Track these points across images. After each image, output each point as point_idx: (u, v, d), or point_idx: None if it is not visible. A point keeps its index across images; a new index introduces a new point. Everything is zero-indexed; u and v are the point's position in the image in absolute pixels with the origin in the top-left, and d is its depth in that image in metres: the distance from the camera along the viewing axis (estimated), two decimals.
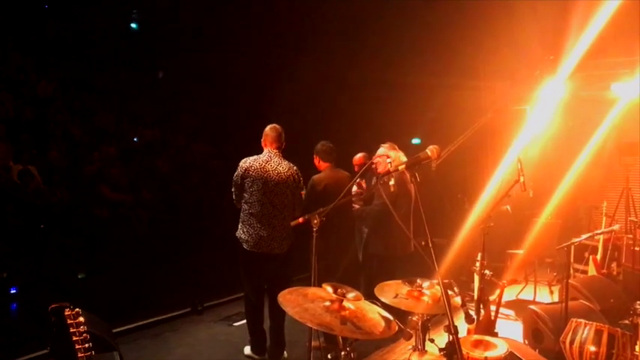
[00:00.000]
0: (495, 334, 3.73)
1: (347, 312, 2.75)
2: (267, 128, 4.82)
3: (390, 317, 2.82)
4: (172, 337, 5.52)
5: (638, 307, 5.49)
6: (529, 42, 8.26)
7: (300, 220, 3.55)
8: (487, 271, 3.89)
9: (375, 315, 2.80)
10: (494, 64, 8.34)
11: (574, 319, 3.52)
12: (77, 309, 1.83)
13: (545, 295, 6.74)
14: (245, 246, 4.69)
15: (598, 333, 3.29)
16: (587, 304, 5.11)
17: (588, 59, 8.03)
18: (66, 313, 1.81)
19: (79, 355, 1.80)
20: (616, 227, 4.89)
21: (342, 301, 2.78)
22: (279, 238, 4.69)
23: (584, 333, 3.32)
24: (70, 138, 6.72)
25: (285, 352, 4.90)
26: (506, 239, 7.33)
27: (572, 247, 7.42)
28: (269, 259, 4.70)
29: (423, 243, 2.33)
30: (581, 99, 8.66)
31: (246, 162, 4.69)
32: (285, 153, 4.83)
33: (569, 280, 6.24)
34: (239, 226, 4.76)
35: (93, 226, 6.28)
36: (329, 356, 3.40)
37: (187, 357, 5.03)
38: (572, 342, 3.35)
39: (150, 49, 6.67)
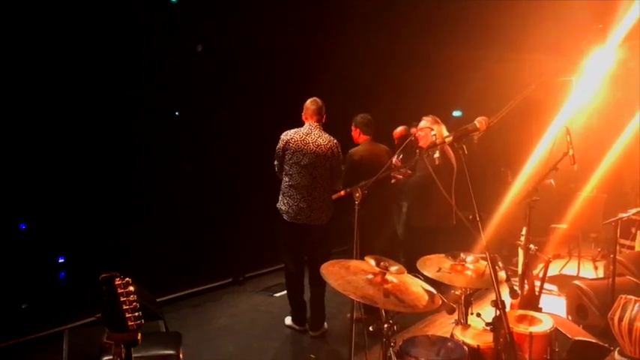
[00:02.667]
0: (539, 310, 3.67)
1: (390, 285, 2.74)
2: (308, 101, 4.81)
3: (434, 291, 2.81)
4: (214, 307, 5.62)
5: None
6: (575, 11, 7.95)
7: (342, 192, 3.55)
8: (532, 246, 3.81)
9: (418, 288, 2.79)
10: (538, 36, 8.06)
11: (623, 296, 3.43)
12: (127, 278, 1.86)
13: (589, 271, 6.61)
14: (285, 217, 4.73)
15: None
16: (635, 280, 4.98)
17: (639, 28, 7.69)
18: (116, 283, 1.84)
19: (130, 323, 1.83)
20: None
21: (384, 274, 2.77)
22: (318, 210, 4.71)
23: (633, 309, 3.23)
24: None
25: (325, 324, 4.94)
26: (549, 213, 7.19)
27: (619, 222, 7.27)
28: (308, 230, 4.73)
29: (470, 217, 2.29)
30: (630, 69, 8.33)
31: (287, 134, 4.71)
32: (326, 127, 4.81)
33: (616, 256, 6.12)
34: (279, 198, 4.80)
35: (135, 197, 6.39)
36: (370, 328, 3.41)
37: (229, 327, 5.12)
38: (620, 319, 3.27)
39: (190, 19, 6.65)
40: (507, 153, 8.63)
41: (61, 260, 6.40)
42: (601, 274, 6.49)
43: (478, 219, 2.23)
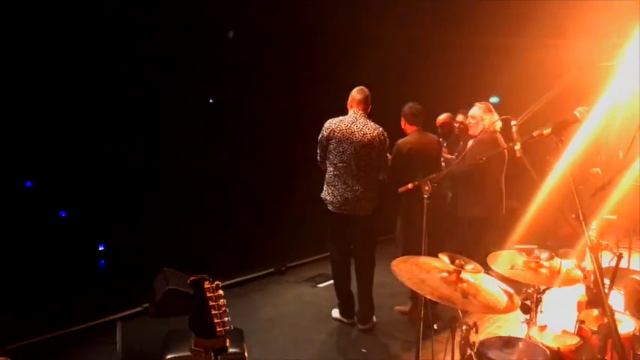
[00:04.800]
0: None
1: (465, 284, 2.61)
2: (354, 90, 4.67)
3: (511, 291, 2.67)
4: (257, 297, 5.55)
5: None
6: None
7: (410, 185, 3.41)
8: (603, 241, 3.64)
9: (495, 288, 2.65)
10: (577, 20, 7.79)
11: None
12: (217, 282, 1.76)
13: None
14: (330, 207, 4.62)
15: None
16: None
17: None
18: (206, 286, 1.74)
19: (218, 329, 1.74)
20: None
21: (459, 272, 2.64)
22: (364, 200, 4.59)
23: None
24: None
25: (374, 317, 4.84)
26: (595, 203, 6.98)
27: None
28: (354, 220, 4.62)
29: (573, 216, 2.16)
30: None
31: (331, 123, 4.57)
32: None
33: None
34: (324, 188, 4.69)
35: (175, 186, 6.35)
36: (435, 327, 3.30)
37: (274, 318, 5.04)
38: None
39: (221, 5, 6.52)
40: (549, 142, 8.40)
41: (101, 248, 6.38)
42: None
43: (582, 218, 2.08)
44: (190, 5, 6.36)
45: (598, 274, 2.08)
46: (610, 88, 7.90)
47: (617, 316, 3.10)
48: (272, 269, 6.16)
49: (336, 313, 4.98)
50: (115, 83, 5.98)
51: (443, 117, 6.37)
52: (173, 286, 4.29)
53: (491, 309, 2.51)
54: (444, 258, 2.70)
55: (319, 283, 5.88)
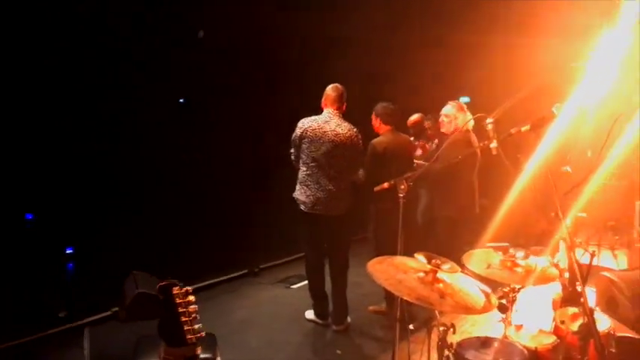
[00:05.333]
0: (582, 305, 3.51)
1: (442, 284, 2.57)
2: (329, 88, 4.62)
3: (489, 290, 2.65)
4: (230, 299, 5.46)
5: None
6: None
7: (386, 185, 3.36)
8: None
9: (472, 288, 2.62)
10: (548, 20, 7.88)
11: None
12: (187, 287, 1.68)
13: (609, 260, 6.48)
14: (302, 207, 4.56)
15: None
16: None
17: None
18: (174, 292, 1.66)
19: (188, 336, 1.66)
20: None
21: (436, 272, 2.60)
22: (336, 200, 4.54)
23: None
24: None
25: (348, 317, 4.79)
26: (567, 201, 7.05)
27: (637, 210, 7.15)
28: (327, 220, 4.56)
29: (552, 214, 2.13)
30: None
31: (304, 122, 4.51)
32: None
33: (638, 245, 6.00)
34: (296, 188, 4.63)
35: (146, 187, 6.21)
36: (411, 327, 3.27)
37: (248, 320, 4.96)
38: None
39: (192, 5, 6.40)
40: (521, 140, 8.47)
41: (69, 251, 6.21)
42: (621, 263, 6.38)
43: (561, 216, 2.05)
44: (161, 5, 6.24)
45: (577, 272, 2.05)
46: (579, 88, 8.01)
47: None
48: (245, 271, 6.08)
49: (310, 314, 4.92)
50: (82, 83, 5.83)
51: (414, 117, 6.37)
52: (143, 290, 4.17)
53: (468, 309, 2.48)
54: (421, 258, 2.66)
55: (293, 284, 5.82)
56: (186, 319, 1.67)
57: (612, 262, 6.47)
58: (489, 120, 2.76)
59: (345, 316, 4.77)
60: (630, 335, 3.36)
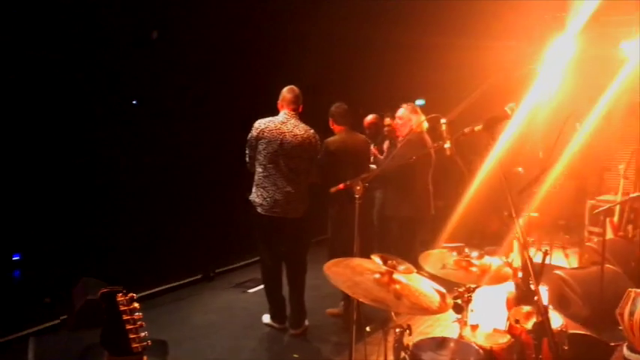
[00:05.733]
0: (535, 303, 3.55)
1: (398, 285, 2.55)
2: (285, 89, 4.58)
3: (443, 290, 2.64)
4: (185, 305, 5.34)
5: None
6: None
7: (341, 186, 3.33)
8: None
9: (427, 288, 2.61)
10: (502, 24, 8.03)
11: (632, 290, 3.36)
12: (131, 294, 1.60)
13: (561, 259, 6.63)
14: (259, 210, 4.48)
15: None
16: (614, 268, 5.00)
17: (598, 16, 7.76)
18: (118, 299, 1.58)
19: (134, 345, 1.58)
20: None
21: (392, 273, 2.58)
22: (294, 202, 4.49)
23: None
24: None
25: (306, 321, 4.73)
26: (519, 201, 7.19)
27: (587, 209, 7.35)
28: (285, 223, 4.50)
29: (505, 213, 2.14)
30: (592, 57, 8.42)
31: (260, 123, 4.45)
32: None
33: (589, 244, 6.16)
34: (253, 190, 4.55)
35: (95, 190, 6.00)
36: (367, 329, 3.24)
37: (203, 326, 4.85)
38: (631, 313, 3.20)
39: (145, 4, 6.24)
40: (474, 141, 8.58)
41: (15, 258, 5.95)
42: (573, 261, 6.54)
43: (514, 215, 2.06)
44: (113, 5, 6.06)
45: (531, 271, 2.06)
46: (532, 90, 8.20)
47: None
48: (199, 275, 5.96)
49: (267, 318, 4.85)
50: (34, 85, 5.60)
51: (370, 118, 6.37)
52: (93, 296, 4.04)
53: (424, 310, 2.47)
54: (376, 259, 2.63)
55: (249, 289, 5.74)
56: (132, 326, 1.59)
57: (564, 260, 6.63)
58: (443, 120, 2.77)
59: (302, 319, 4.71)
60: (582, 332, 3.42)
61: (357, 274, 2.61)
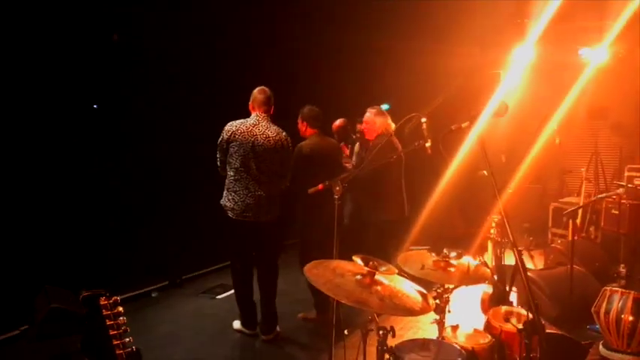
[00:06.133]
0: (510, 303, 3.59)
1: (380, 287, 2.52)
2: (256, 91, 4.51)
3: (424, 291, 2.62)
4: (152, 312, 5.19)
5: (622, 270, 5.57)
6: (500, 6, 8.12)
7: (320, 187, 3.27)
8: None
9: (410, 290, 2.58)
10: (466, 29, 8.15)
11: (608, 288, 3.41)
12: (115, 297, 1.51)
13: (526, 261, 6.72)
14: (231, 214, 4.40)
15: (636, 302, 3.18)
16: (580, 268, 5.08)
17: (557, 24, 7.96)
18: (102, 303, 1.50)
19: (118, 351, 1.50)
20: (620, 191, 4.83)
21: (373, 274, 2.55)
22: (266, 206, 4.42)
23: (620, 302, 3.21)
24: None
25: (277, 326, 4.66)
26: (484, 204, 7.28)
27: (550, 211, 7.49)
28: (257, 227, 4.42)
29: (495, 216, 2.12)
30: (552, 63, 8.63)
31: (232, 125, 4.37)
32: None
33: (554, 245, 6.27)
34: (224, 194, 4.46)
35: (56, 194, 5.79)
36: (345, 332, 3.20)
37: (172, 334, 4.72)
38: (607, 311, 3.24)
39: (106, 6, 6.08)
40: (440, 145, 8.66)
41: None
42: (538, 262, 6.64)
43: (503, 215, 2.04)
44: (72, 7, 5.88)
45: (522, 273, 2.05)
46: (496, 94, 8.34)
47: (523, 311, 3.16)
48: (167, 282, 5.81)
49: (237, 324, 4.75)
50: None
51: (338, 122, 6.37)
52: (57, 304, 3.87)
53: (408, 311, 2.44)
54: (358, 260, 2.60)
55: (218, 295, 5.62)
56: (115, 332, 1.50)
57: (529, 262, 6.73)
58: (424, 119, 2.76)
59: (274, 325, 4.63)
60: (553, 332, 3.45)
61: (337, 275, 2.57)
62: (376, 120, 5.10)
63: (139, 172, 6.16)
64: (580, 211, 6.61)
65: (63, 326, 3.83)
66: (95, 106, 7.18)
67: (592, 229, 6.76)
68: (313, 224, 4.79)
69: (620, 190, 4.79)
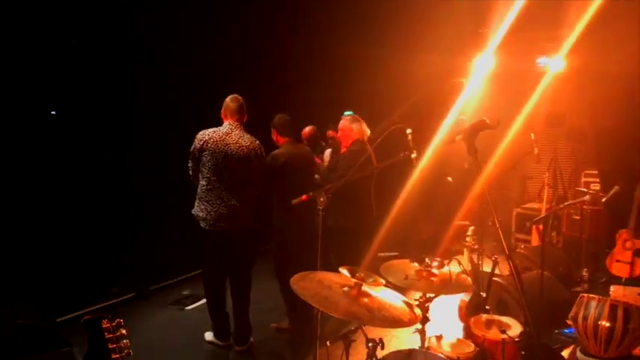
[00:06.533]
0: (487, 311, 3.64)
1: (367, 299, 2.52)
2: (228, 99, 4.45)
3: (409, 301, 2.63)
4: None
5: (584, 274, 5.74)
6: (463, 15, 8.27)
7: (304, 197, 3.25)
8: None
9: (397, 301, 2.59)
10: (431, 37, 8.27)
11: (585, 294, 3.49)
12: (118, 319, 1.46)
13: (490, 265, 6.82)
14: (203, 224, 4.32)
15: (613, 308, 3.27)
16: (547, 273, 5.19)
17: (516, 33, 8.16)
18: (104, 326, 1.44)
19: None
20: (587, 197, 4.97)
21: (361, 285, 2.54)
22: (240, 216, 4.36)
23: (597, 308, 3.29)
24: None
25: (251, 337, 4.60)
26: (449, 210, 7.40)
27: (513, 217, 7.65)
28: (230, 237, 4.35)
29: (490, 223, 2.14)
30: (511, 72, 8.84)
31: (204, 134, 4.29)
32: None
33: (519, 250, 6.40)
34: (195, 204, 4.38)
35: (19, 208, 5.58)
36: (327, 343, 3.17)
37: (142, 347, 4.55)
38: (585, 318, 3.32)
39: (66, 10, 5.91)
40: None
41: None
42: (503, 268, 6.75)
43: (497, 225, 2.07)
44: (28, 11, 5.69)
45: (517, 279, 2.08)
46: (458, 102, 8.49)
47: (503, 319, 3.21)
48: (134, 293, 5.66)
49: (210, 336, 4.67)
50: None
51: (308, 129, 6.37)
52: (24, 320, 3.72)
53: (397, 323, 2.44)
54: (344, 271, 2.59)
55: (187, 306, 5.51)
56: (118, 355, 1.45)
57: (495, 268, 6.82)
58: (409, 130, 2.77)
59: (248, 335, 4.58)
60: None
61: (325, 288, 2.56)
62: (352, 126, 5.13)
63: (103, 181, 6.01)
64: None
65: (31, 344, 3.70)
66: (53, 113, 6.98)
67: (554, 234, 6.92)
68: (289, 233, 4.77)
69: (587, 197, 4.93)
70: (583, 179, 7.49)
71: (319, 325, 2.93)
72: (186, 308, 5.47)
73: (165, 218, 5.92)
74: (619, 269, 5.59)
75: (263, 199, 4.66)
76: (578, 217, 6.42)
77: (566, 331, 4.37)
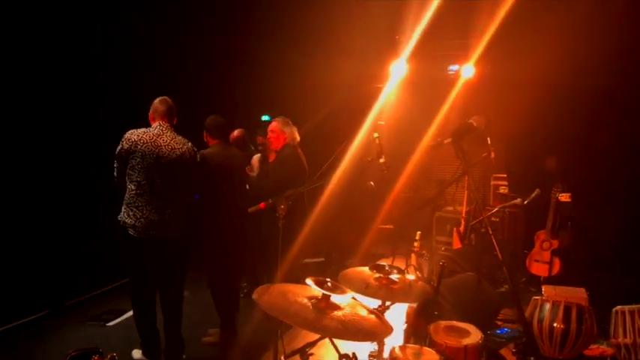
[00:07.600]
0: (436, 316, 3.62)
1: (338, 311, 2.41)
2: (157, 101, 4.19)
3: (377, 312, 2.55)
4: (34, 347, 4.55)
5: (505, 274, 5.93)
6: (378, 21, 8.39)
7: (262, 205, 3.07)
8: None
9: (366, 312, 2.50)
10: (349, 43, 8.33)
11: (539, 297, 3.55)
12: (112, 353, 1.25)
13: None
14: (131, 232, 3.99)
15: (567, 310, 3.34)
16: (472, 274, 5.31)
17: (428, 41, 8.39)
18: None
19: None
20: (518, 201, 5.13)
21: (329, 297, 2.43)
22: (172, 222, 4.07)
23: (552, 310, 3.35)
24: None
25: (183, 353, 4.33)
26: (370, 214, 7.46)
27: (434, 220, 7.83)
28: (161, 246, 4.05)
29: (483, 230, 2.09)
30: (424, 78, 9.08)
31: (133, 134, 3.99)
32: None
33: (443, 252, 6.54)
34: (123, 210, 4.04)
35: None
36: (282, 358, 3.03)
37: None
38: (540, 320, 3.37)
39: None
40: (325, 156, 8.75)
41: None
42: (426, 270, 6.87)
43: (491, 232, 2.02)
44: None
45: (514, 295, 2.03)
46: (376, 107, 8.60)
47: (462, 325, 3.20)
48: (47, 310, 5.16)
49: (138, 354, 4.34)
50: None
51: (236, 132, 6.16)
52: None
53: (370, 336, 2.35)
54: (310, 282, 2.46)
55: (108, 322, 5.10)
56: None
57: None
58: (376, 135, 2.69)
59: (180, 352, 4.30)
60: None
61: (292, 302, 2.41)
62: (284, 130, 5.10)
63: (12, 184, 5.43)
64: (463, 220, 6.98)
65: None
66: None
67: (473, 236, 7.14)
68: (222, 240, 4.57)
69: (518, 200, 5.10)
70: (492, 182, 7.77)
71: (280, 339, 2.77)
72: (108, 324, 5.06)
73: (82, 226, 5.48)
74: (538, 269, 5.85)
75: (196, 203, 4.42)
76: (497, 219, 6.65)
77: (498, 331, 4.49)
